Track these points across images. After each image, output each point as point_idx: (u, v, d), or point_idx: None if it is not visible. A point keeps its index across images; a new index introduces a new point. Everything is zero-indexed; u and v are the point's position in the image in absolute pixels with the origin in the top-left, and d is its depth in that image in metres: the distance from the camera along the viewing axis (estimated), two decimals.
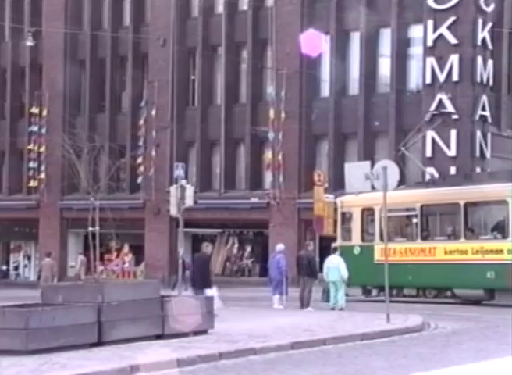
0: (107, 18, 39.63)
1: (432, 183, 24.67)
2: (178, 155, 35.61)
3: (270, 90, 34.60)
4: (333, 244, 22.98)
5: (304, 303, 20.63)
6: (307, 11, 33.86)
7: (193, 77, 37.49)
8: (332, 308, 20.25)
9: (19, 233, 42.91)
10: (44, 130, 39.86)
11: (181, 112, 37.05)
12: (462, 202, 21.87)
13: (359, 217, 24.30)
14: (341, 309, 20.00)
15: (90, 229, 14.78)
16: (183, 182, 24.66)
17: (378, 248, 22.90)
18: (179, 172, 26.04)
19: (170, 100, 36.90)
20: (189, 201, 24.02)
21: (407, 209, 23.49)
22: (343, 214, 24.93)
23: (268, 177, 35.15)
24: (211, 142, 36.81)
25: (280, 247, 22.26)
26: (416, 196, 23.20)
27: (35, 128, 40.20)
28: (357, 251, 23.57)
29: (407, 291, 22.98)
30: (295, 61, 33.76)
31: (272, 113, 34.06)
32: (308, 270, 20.79)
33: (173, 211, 24.65)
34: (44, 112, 39.91)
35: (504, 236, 21.23)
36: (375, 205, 23.20)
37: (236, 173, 36.40)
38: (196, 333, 13.23)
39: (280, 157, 33.85)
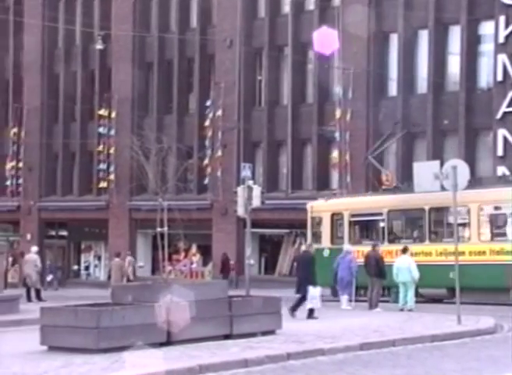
0: (174, 20, 40.01)
1: (397, 189, 26.09)
2: (245, 156, 35.68)
3: (337, 89, 34.38)
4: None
5: (373, 304, 20.46)
6: (374, 9, 33.55)
7: (259, 78, 37.53)
8: (401, 309, 20.04)
9: (89, 233, 43.64)
10: (113, 132, 40.45)
11: (248, 112, 37.14)
12: (427, 207, 23.49)
13: (328, 221, 26.14)
14: (410, 310, 19.78)
15: (158, 229, 14.89)
16: (250, 182, 24.71)
17: None
18: (246, 172, 26.07)
19: (237, 101, 37.02)
20: (256, 202, 24.08)
21: (375, 214, 25.22)
22: (313, 218, 26.92)
23: (335, 177, 34.94)
24: (277, 142, 36.79)
25: (349, 247, 22.12)
26: (383, 201, 24.95)
27: (104, 130, 40.82)
28: (326, 253, 24.78)
29: None
30: (362, 60, 33.49)
31: (338, 113, 33.85)
32: (376, 271, 20.64)
33: (240, 211, 24.73)
34: (113, 114, 40.50)
35: (466, 239, 22.79)
36: (343, 210, 25.76)
37: (303, 173, 36.29)
38: (264, 333, 13.23)
39: (347, 157, 33.60)
